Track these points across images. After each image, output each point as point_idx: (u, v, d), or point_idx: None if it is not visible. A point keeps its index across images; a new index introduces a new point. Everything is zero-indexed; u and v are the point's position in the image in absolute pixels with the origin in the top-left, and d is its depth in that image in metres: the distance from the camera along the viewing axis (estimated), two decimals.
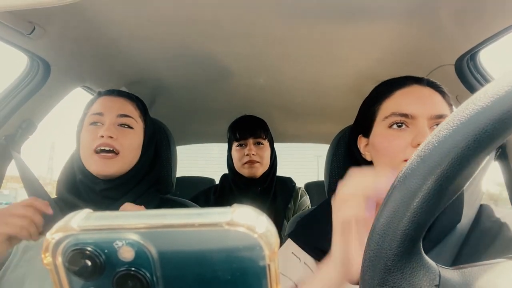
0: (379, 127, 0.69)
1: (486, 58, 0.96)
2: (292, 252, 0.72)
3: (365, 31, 0.91)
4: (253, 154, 1.33)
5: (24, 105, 0.98)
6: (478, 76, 0.96)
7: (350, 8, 0.82)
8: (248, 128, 1.37)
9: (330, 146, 0.99)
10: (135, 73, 1.20)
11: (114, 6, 0.81)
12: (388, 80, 0.74)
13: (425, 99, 0.67)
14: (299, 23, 0.88)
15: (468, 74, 0.96)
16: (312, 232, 0.73)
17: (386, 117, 0.67)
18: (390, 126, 0.67)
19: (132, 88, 1.24)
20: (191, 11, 0.83)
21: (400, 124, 0.66)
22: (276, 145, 1.51)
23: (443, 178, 0.26)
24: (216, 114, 1.68)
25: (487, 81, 0.95)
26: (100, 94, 0.87)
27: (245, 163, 1.34)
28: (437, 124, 0.64)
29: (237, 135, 1.37)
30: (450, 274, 0.28)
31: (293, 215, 1.39)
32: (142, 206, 0.69)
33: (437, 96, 0.68)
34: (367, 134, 0.73)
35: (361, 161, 0.74)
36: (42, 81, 1.01)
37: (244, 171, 1.36)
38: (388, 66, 1.10)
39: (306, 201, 1.47)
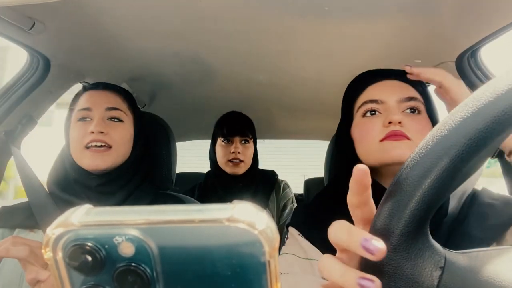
0: (356, 118, 0.74)
1: (487, 55, 0.96)
2: (299, 235, 0.73)
3: (365, 27, 0.91)
4: (238, 153, 1.33)
5: (24, 100, 0.98)
6: (479, 73, 0.95)
7: (350, 5, 0.81)
8: (236, 126, 1.38)
9: (329, 143, 0.99)
10: (135, 69, 1.19)
11: (115, 2, 0.81)
12: (361, 76, 0.81)
13: (393, 86, 0.73)
14: (299, 19, 0.88)
15: (468, 71, 0.96)
16: (317, 221, 0.73)
17: (359, 107, 0.73)
18: (364, 115, 0.72)
19: (132, 84, 1.24)
20: (192, 7, 0.83)
21: (372, 111, 0.70)
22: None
23: (458, 159, 0.26)
24: (216, 110, 1.67)
25: (487, 78, 0.95)
26: (85, 88, 0.85)
27: (229, 160, 1.34)
28: (410, 108, 0.69)
29: (225, 131, 1.37)
30: (456, 257, 0.28)
31: (277, 209, 1.41)
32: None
33: (406, 85, 0.73)
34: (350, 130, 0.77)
35: (353, 158, 0.75)
36: (42, 76, 1.01)
37: (227, 169, 1.36)
38: (388, 63, 1.09)
39: (289, 194, 1.47)
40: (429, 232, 0.28)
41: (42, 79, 1.01)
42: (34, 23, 0.83)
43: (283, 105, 1.62)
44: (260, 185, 1.44)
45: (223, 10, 0.84)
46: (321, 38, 0.97)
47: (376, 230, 0.29)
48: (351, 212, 0.33)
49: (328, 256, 0.31)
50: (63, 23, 0.87)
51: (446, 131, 0.27)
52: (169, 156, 1.02)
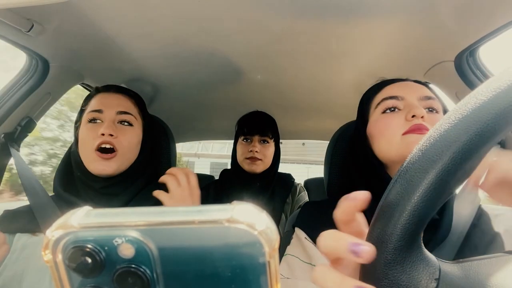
0: (373, 116, 0.73)
1: (486, 54, 0.96)
2: (305, 238, 0.72)
3: (365, 27, 0.91)
4: (256, 151, 1.34)
5: (23, 102, 0.98)
6: (477, 72, 0.95)
7: (351, 5, 0.81)
8: (255, 125, 1.39)
9: (329, 143, 0.99)
10: (134, 70, 1.19)
11: (113, 2, 0.81)
12: (380, 81, 0.79)
13: (411, 86, 0.72)
14: (299, 20, 0.88)
15: (467, 70, 0.96)
16: (322, 222, 0.73)
17: (378, 104, 0.72)
18: (384, 112, 0.70)
19: (132, 85, 1.24)
20: (191, 7, 0.83)
21: (392, 108, 0.69)
22: None
23: (444, 172, 0.26)
24: (216, 111, 1.68)
25: (486, 77, 0.95)
26: (98, 90, 0.86)
27: (247, 158, 1.36)
28: (429, 107, 0.67)
29: (244, 130, 1.39)
30: (450, 268, 0.28)
31: (291, 211, 1.41)
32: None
33: (422, 86, 0.73)
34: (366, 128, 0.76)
35: (369, 157, 0.75)
36: (41, 78, 1.01)
37: (245, 166, 1.38)
38: (388, 63, 1.10)
39: (304, 197, 1.48)
40: (422, 244, 0.29)
41: (41, 81, 1.01)
42: (33, 25, 0.83)
43: (283, 106, 1.63)
44: (278, 187, 1.45)
45: (223, 11, 0.84)
46: (321, 38, 0.97)
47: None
48: (339, 228, 0.33)
49: (323, 265, 0.31)
50: (62, 24, 0.87)
51: (430, 145, 0.28)
52: (168, 157, 1.02)
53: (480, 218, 0.64)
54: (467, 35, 0.87)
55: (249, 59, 1.13)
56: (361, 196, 0.30)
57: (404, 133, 0.64)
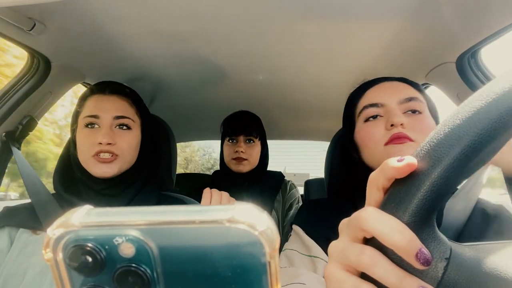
0: (358, 123, 0.74)
1: (487, 56, 0.95)
2: (303, 232, 0.73)
3: (366, 28, 0.91)
4: (241, 151, 1.35)
5: (24, 101, 0.98)
6: (479, 73, 0.95)
7: (352, 5, 0.81)
8: (240, 125, 1.39)
9: (330, 143, 0.99)
10: (135, 70, 1.20)
11: (115, 2, 0.81)
12: (362, 83, 0.80)
13: (392, 88, 0.72)
14: (300, 19, 0.88)
15: (469, 71, 0.96)
16: (319, 219, 0.74)
17: (360, 112, 0.73)
18: (366, 121, 0.71)
19: (133, 84, 1.24)
20: (192, 7, 0.83)
21: (374, 116, 0.70)
22: None
23: (470, 149, 0.26)
24: (217, 111, 1.68)
25: (488, 79, 0.95)
26: (92, 91, 0.84)
27: (234, 158, 1.37)
28: (411, 109, 0.68)
29: (229, 131, 1.40)
30: (461, 249, 0.27)
31: (282, 208, 1.42)
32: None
33: (405, 85, 0.72)
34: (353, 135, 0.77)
35: (358, 163, 0.76)
36: (43, 77, 1.01)
37: (232, 166, 1.39)
38: (389, 63, 1.10)
39: (295, 194, 1.49)
40: (435, 223, 0.28)
41: (42, 80, 1.01)
42: (35, 23, 0.83)
43: (284, 106, 1.63)
44: (267, 185, 1.45)
45: (224, 10, 0.84)
46: (322, 38, 0.97)
47: None
48: (369, 192, 0.31)
49: (372, 250, 0.28)
50: (64, 23, 0.87)
51: (458, 121, 0.27)
52: (169, 157, 1.02)
53: (482, 210, 0.64)
54: (469, 37, 0.87)
55: (250, 59, 1.13)
56: (412, 161, 0.28)
57: (386, 144, 0.66)
